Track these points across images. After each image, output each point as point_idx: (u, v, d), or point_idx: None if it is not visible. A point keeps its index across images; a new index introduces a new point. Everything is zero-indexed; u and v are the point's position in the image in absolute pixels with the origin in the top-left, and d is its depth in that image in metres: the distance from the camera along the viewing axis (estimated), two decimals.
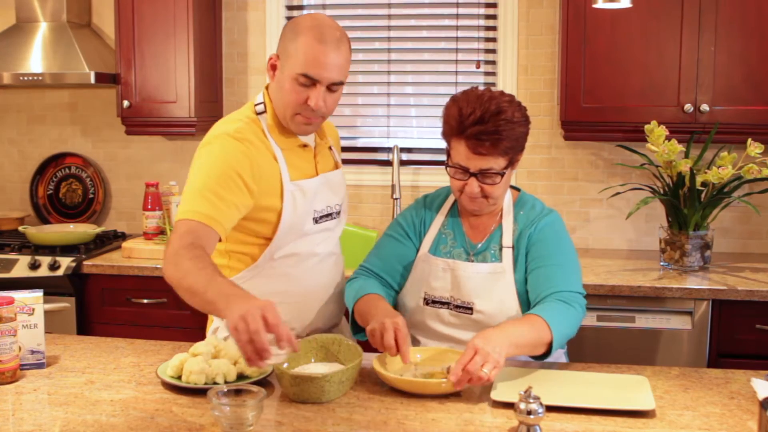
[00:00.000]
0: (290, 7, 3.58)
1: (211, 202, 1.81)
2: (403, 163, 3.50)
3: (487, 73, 3.46)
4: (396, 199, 3.39)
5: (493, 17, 3.42)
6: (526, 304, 1.96)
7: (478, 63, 3.43)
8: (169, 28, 3.29)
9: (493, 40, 3.43)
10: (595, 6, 2.39)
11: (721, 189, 2.88)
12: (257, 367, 1.56)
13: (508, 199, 2.05)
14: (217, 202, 1.82)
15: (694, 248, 2.93)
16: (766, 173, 2.77)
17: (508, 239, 2.00)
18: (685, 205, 2.90)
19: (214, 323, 2.13)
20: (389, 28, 3.54)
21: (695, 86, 2.95)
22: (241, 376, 1.75)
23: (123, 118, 3.39)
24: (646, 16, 2.94)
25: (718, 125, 2.93)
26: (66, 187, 3.78)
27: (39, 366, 1.86)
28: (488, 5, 3.42)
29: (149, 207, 3.37)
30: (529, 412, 1.47)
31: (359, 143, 3.61)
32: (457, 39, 3.47)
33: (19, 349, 1.82)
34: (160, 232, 3.37)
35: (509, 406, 1.60)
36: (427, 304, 2.02)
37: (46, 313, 1.98)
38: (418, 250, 2.08)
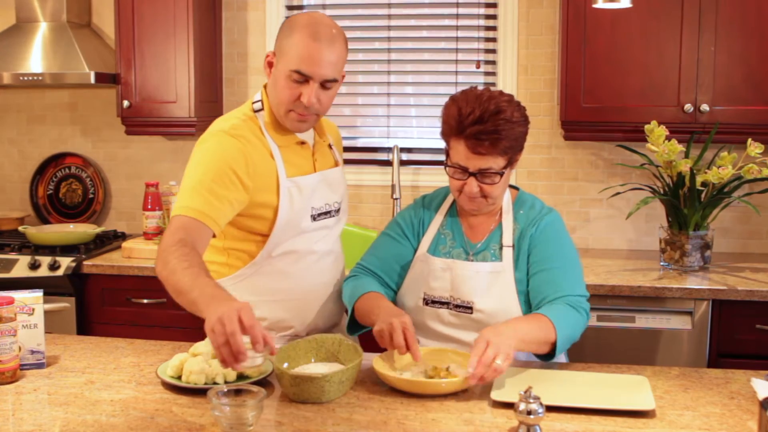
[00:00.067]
0: (290, 7, 3.58)
1: (204, 199, 1.82)
2: (403, 163, 3.50)
3: (487, 73, 3.46)
4: (396, 199, 3.39)
5: (493, 17, 3.42)
6: (527, 303, 1.96)
7: (478, 63, 3.43)
8: (169, 28, 3.29)
9: (493, 40, 3.43)
10: (595, 6, 2.39)
11: (721, 189, 2.88)
12: (233, 370, 1.58)
13: (507, 199, 2.05)
14: (211, 198, 1.83)
15: (694, 248, 2.93)
16: (766, 173, 2.77)
17: (508, 238, 2.00)
18: (685, 205, 2.90)
19: None
20: (389, 28, 3.54)
21: (695, 86, 2.95)
22: (241, 376, 1.75)
23: (123, 118, 3.39)
24: (646, 16, 2.94)
25: (718, 125, 2.93)
26: (66, 187, 3.78)
27: (39, 366, 1.86)
28: (488, 5, 3.42)
29: (149, 207, 3.37)
30: (529, 412, 1.47)
31: (359, 143, 3.61)
32: (457, 39, 3.47)
33: (19, 349, 1.82)
34: (160, 232, 3.36)
35: (509, 406, 1.60)
36: (426, 304, 2.02)
37: (46, 313, 1.98)
38: (416, 251, 2.08)
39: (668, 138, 2.86)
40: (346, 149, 3.49)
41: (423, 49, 3.53)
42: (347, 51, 1.97)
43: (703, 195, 2.89)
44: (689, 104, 2.95)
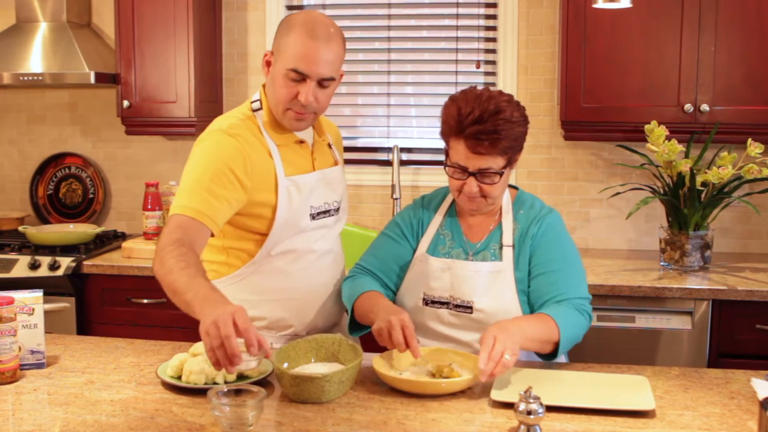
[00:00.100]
0: (290, 7, 3.58)
1: (202, 198, 1.82)
2: (403, 163, 3.50)
3: (487, 73, 3.46)
4: (396, 199, 3.39)
5: (493, 17, 3.42)
6: (527, 303, 1.96)
7: (478, 63, 3.43)
8: (169, 28, 3.29)
9: (493, 40, 3.43)
10: (595, 6, 2.40)
11: (721, 189, 2.88)
12: (228, 373, 1.58)
13: (506, 198, 2.05)
14: (209, 197, 1.83)
15: (694, 248, 2.93)
16: (766, 173, 2.77)
17: (508, 238, 2.00)
18: (685, 205, 2.90)
19: None
20: (389, 28, 3.54)
21: (695, 86, 2.94)
22: (241, 376, 1.75)
23: (123, 118, 3.39)
24: (646, 16, 2.94)
25: (718, 125, 2.93)
26: (66, 187, 3.78)
27: (39, 366, 1.86)
28: (488, 5, 3.42)
29: (149, 207, 3.37)
30: (529, 412, 1.47)
31: (359, 143, 3.61)
32: (457, 39, 3.47)
33: (19, 349, 1.82)
34: (160, 232, 3.36)
35: (509, 406, 1.60)
36: (426, 304, 2.02)
37: (46, 313, 1.98)
38: (415, 251, 2.08)
39: (668, 138, 2.86)
40: (346, 149, 3.48)
41: (423, 49, 3.53)
42: (345, 49, 1.97)
43: (703, 195, 2.89)
44: (689, 104, 2.95)
